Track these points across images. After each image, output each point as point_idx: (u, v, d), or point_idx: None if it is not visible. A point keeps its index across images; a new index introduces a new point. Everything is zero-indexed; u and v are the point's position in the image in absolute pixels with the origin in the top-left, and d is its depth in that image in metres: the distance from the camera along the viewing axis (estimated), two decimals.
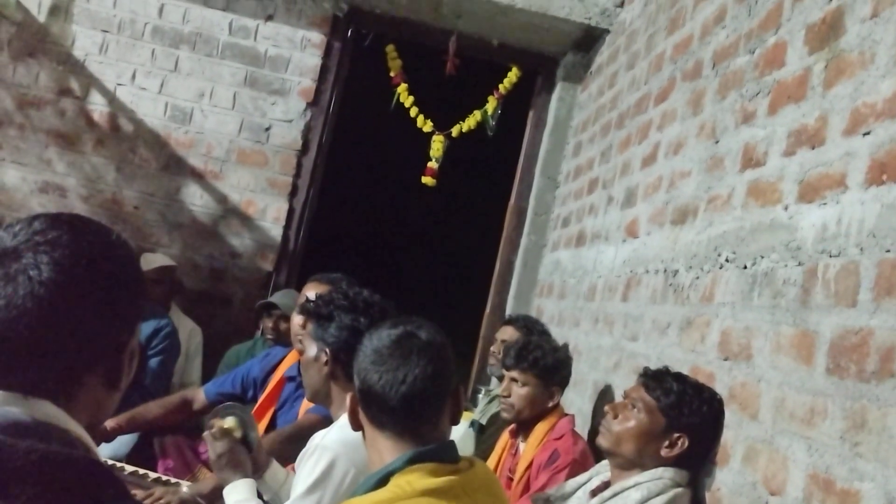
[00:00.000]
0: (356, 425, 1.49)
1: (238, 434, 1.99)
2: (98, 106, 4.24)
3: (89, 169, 4.22)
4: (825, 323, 1.59)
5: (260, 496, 2.06)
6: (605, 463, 2.17)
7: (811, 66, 1.87)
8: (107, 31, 4.25)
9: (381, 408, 1.41)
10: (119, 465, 2.45)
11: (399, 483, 1.31)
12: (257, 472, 2.04)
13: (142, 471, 2.43)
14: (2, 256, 0.89)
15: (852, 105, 1.66)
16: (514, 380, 2.62)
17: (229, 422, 2.01)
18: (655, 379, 1.94)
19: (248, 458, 1.99)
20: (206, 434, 1.99)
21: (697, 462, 1.90)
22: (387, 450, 1.40)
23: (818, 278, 1.65)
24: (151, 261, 3.78)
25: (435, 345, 1.45)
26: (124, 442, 2.82)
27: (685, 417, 1.85)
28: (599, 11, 4.02)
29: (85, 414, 0.93)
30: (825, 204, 1.68)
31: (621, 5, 3.93)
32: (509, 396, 2.62)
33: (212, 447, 1.97)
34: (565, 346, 3.26)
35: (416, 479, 1.31)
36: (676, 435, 1.86)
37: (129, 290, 0.96)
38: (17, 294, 0.87)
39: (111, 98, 4.24)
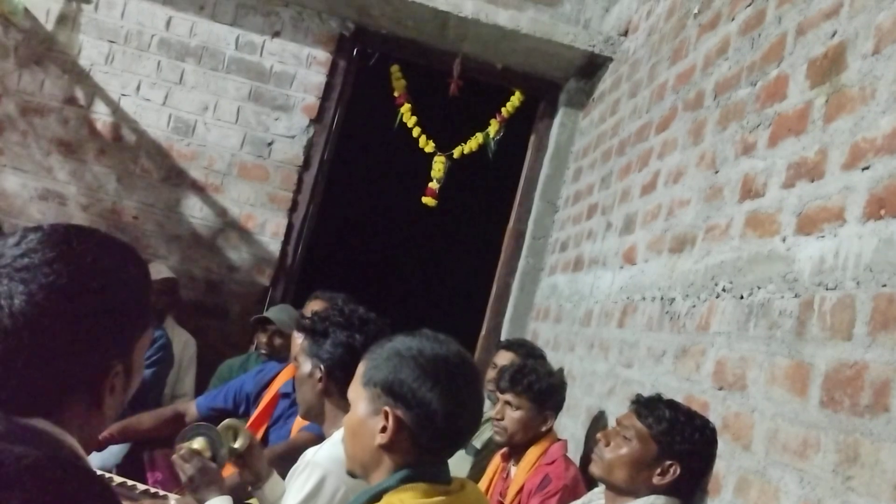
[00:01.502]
0: (392, 446, 1.37)
1: (208, 454, 1.98)
2: (101, 115, 4.26)
3: (90, 178, 4.23)
4: (820, 355, 1.59)
5: None
6: (597, 491, 2.16)
7: (812, 99, 1.89)
8: (113, 42, 4.28)
9: (435, 435, 1.37)
10: (108, 475, 2.43)
11: (391, 501, 1.31)
12: (257, 482, 2.03)
13: (130, 482, 2.42)
14: None
15: (852, 139, 1.67)
16: (507, 403, 2.61)
17: (198, 442, 2.00)
18: (647, 406, 1.94)
19: (221, 475, 1.98)
20: (174, 457, 1.98)
21: (689, 490, 1.89)
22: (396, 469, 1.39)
23: (814, 310, 1.65)
24: (156, 272, 3.79)
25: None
26: (114, 453, 2.81)
27: (677, 445, 1.85)
28: (603, 39, 4.05)
29: (73, 430, 0.92)
30: (823, 237, 1.69)
31: (625, 34, 3.96)
32: (502, 419, 2.61)
33: (181, 469, 1.95)
34: (560, 370, 3.25)
35: (409, 499, 1.31)
36: (668, 462, 1.86)
37: (119, 315, 0.93)
38: None
39: (115, 108, 4.26)
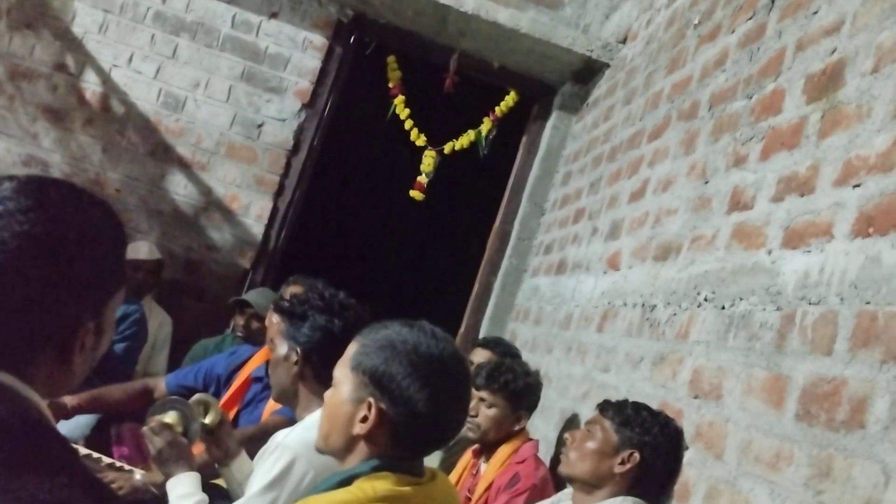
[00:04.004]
0: (370, 437, 1.34)
1: (179, 429, 1.95)
2: (91, 85, 4.20)
3: (75, 147, 4.17)
4: (799, 369, 1.59)
5: (220, 489, 2.03)
6: (566, 492, 2.16)
7: (807, 115, 1.89)
8: (108, 11, 4.22)
9: (416, 434, 1.34)
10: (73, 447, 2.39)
11: (363, 487, 1.29)
12: (225, 458, 2.00)
13: (95, 455, 2.38)
14: None
15: (845, 156, 1.67)
16: (482, 400, 2.60)
17: (170, 416, 1.97)
18: (612, 405, 1.96)
19: (191, 451, 1.95)
20: (144, 429, 1.95)
21: (655, 492, 1.89)
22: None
23: (795, 324, 1.65)
24: (148, 251, 3.78)
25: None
26: (80, 425, 2.77)
27: (637, 436, 1.87)
28: (602, 45, 4.05)
29: (38, 386, 0.89)
30: (809, 251, 1.69)
31: (624, 41, 3.96)
32: (476, 416, 2.60)
33: (151, 442, 1.92)
34: (536, 371, 3.25)
35: (381, 486, 1.29)
36: (628, 451, 1.87)
37: (93, 270, 0.90)
38: None
39: (105, 78, 4.20)
